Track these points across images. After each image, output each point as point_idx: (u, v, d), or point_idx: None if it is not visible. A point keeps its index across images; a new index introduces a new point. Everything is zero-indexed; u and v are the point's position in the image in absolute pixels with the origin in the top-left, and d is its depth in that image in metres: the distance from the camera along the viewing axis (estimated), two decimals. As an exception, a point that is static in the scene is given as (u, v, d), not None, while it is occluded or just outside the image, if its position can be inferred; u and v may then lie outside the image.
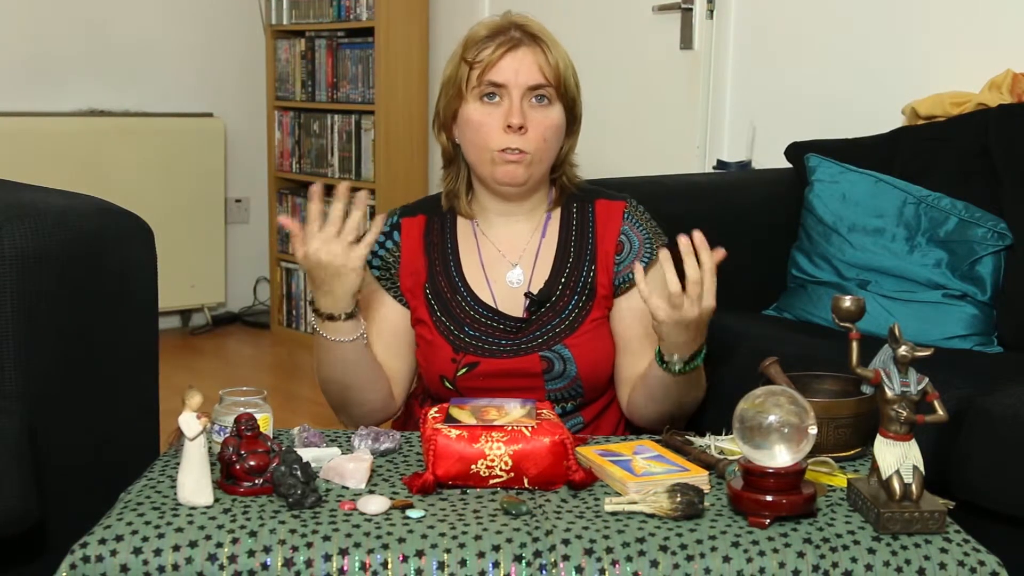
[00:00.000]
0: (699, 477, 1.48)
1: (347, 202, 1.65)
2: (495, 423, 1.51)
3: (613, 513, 1.40)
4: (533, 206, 1.93)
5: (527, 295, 1.88)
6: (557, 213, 1.95)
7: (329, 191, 1.71)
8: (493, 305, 1.89)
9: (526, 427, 1.50)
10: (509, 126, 1.82)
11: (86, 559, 1.31)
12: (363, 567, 1.29)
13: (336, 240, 1.65)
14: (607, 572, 1.30)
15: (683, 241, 1.62)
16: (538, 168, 1.87)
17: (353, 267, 1.67)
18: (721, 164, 3.28)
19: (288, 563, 1.30)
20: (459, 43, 1.89)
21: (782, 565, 1.31)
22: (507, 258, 1.92)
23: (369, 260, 1.93)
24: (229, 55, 4.78)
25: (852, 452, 1.61)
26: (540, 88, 1.84)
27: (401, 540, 1.32)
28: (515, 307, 1.89)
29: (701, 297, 1.63)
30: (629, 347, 1.89)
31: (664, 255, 1.64)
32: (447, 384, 1.88)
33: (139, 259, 1.89)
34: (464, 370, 1.86)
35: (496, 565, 1.30)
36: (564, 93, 1.86)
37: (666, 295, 1.64)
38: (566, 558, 1.30)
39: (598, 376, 1.89)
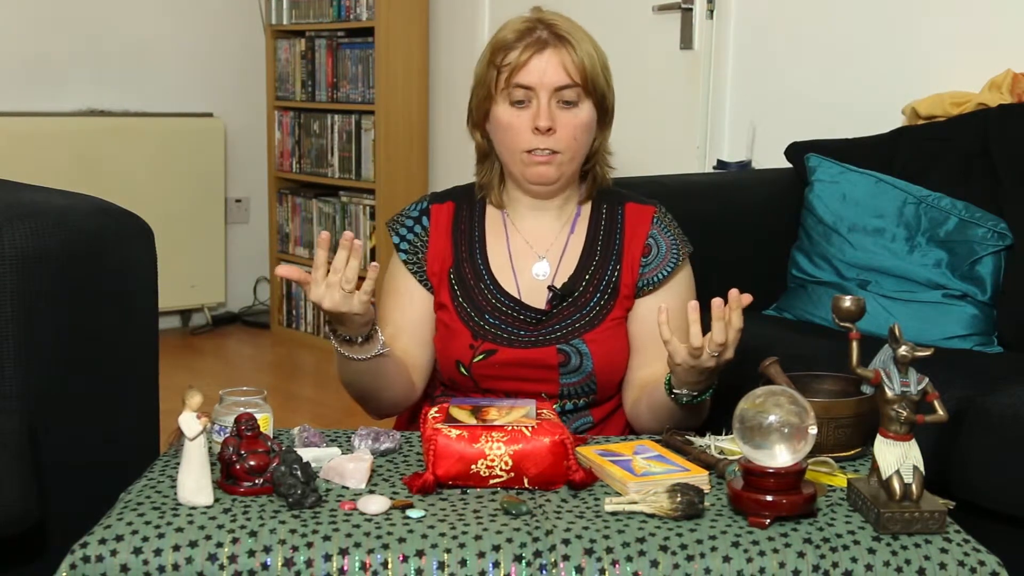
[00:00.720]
0: (699, 477, 1.48)
1: (350, 250, 1.65)
2: (495, 423, 1.51)
3: (613, 513, 1.40)
4: (564, 201, 1.95)
5: (550, 288, 1.89)
6: (587, 210, 1.96)
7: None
8: (516, 296, 1.90)
9: (526, 427, 1.50)
10: (537, 128, 1.83)
11: (86, 559, 1.31)
12: (363, 567, 1.29)
13: (336, 288, 1.64)
14: (607, 572, 1.30)
15: (717, 303, 1.62)
16: (569, 167, 1.89)
17: (356, 312, 1.67)
18: (721, 164, 3.28)
19: (288, 563, 1.30)
20: (488, 43, 1.91)
21: (782, 565, 1.31)
22: (535, 250, 1.94)
23: (397, 244, 1.95)
24: (229, 55, 4.78)
25: (852, 452, 1.61)
26: (568, 88, 1.85)
27: (401, 540, 1.32)
28: (538, 299, 1.90)
29: (724, 350, 1.64)
30: (642, 349, 1.91)
31: (692, 306, 1.65)
32: (462, 370, 1.88)
33: (139, 259, 1.89)
34: (481, 356, 1.87)
35: (496, 565, 1.30)
36: (593, 90, 1.87)
37: (687, 340, 1.65)
38: (566, 558, 1.30)
39: (613, 373, 1.90)
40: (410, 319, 1.93)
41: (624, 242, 1.93)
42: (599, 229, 1.94)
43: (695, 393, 1.73)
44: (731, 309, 1.62)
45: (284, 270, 1.67)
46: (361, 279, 1.64)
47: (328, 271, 1.63)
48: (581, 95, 1.86)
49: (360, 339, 1.73)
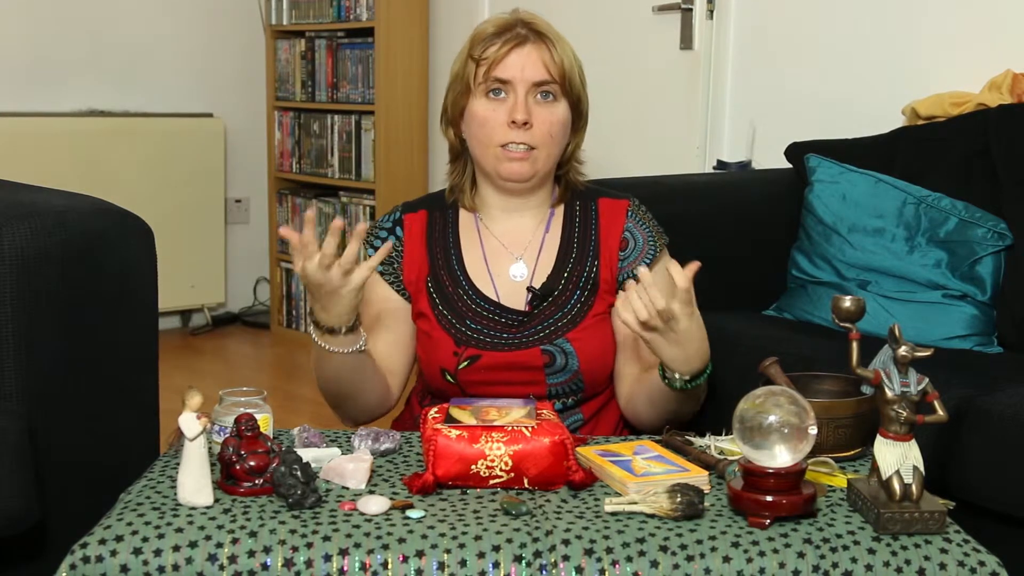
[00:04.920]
0: (699, 477, 1.48)
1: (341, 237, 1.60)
2: (495, 423, 1.51)
3: (613, 513, 1.40)
4: (537, 202, 1.95)
5: (529, 289, 1.89)
6: (560, 209, 1.97)
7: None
8: (495, 299, 1.90)
9: (526, 427, 1.50)
10: (514, 122, 1.84)
11: (86, 559, 1.31)
12: (363, 567, 1.29)
13: (333, 266, 1.61)
14: (607, 572, 1.30)
15: (643, 271, 1.61)
16: (544, 164, 1.88)
17: (349, 289, 1.63)
18: (721, 164, 3.28)
19: (288, 563, 1.30)
20: (467, 39, 1.92)
21: (782, 565, 1.31)
22: (510, 252, 1.93)
23: (372, 255, 1.94)
24: (229, 55, 4.77)
25: (852, 452, 1.61)
26: (545, 84, 1.86)
27: (401, 540, 1.32)
28: (517, 301, 1.90)
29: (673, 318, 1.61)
30: (627, 343, 1.91)
31: (643, 272, 1.61)
32: (448, 378, 1.88)
33: (139, 259, 1.89)
34: (466, 363, 1.87)
35: (496, 565, 1.30)
36: (569, 90, 1.88)
37: (632, 312, 1.63)
38: (566, 558, 1.30)
39: (599, 370, 1.90)
40: (388, 324, 1.93)
41: (600, 237, 1.93)
42: (574, 226, 1.95)
43: (687, 377, 1.71)
44: (647, 287, 1.59)
45: (286, 231, 1.61)
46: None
47: (317, 249, 1.59)
48: (558, 93, 1.87)
49: (344, 329, 1.70)
